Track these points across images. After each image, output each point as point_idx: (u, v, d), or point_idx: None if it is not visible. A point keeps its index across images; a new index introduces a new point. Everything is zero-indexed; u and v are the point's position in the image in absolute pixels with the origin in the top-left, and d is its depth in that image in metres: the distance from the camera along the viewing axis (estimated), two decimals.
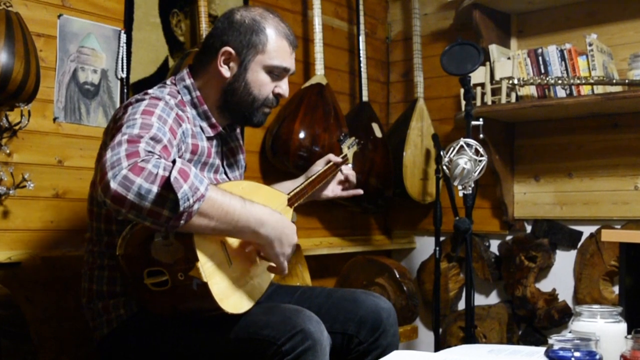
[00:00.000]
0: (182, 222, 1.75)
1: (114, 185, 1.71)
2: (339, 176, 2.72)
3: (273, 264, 2.07)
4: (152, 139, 1.87)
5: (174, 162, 1.76)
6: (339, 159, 2.70)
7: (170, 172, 1.71)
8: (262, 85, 2.26)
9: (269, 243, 1.99)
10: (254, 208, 1.93)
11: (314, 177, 2.57)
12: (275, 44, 2.25)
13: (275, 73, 2.27)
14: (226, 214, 1.85)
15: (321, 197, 2.70)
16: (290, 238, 2.05)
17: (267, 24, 2.25)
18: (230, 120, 2.35)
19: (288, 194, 2.38)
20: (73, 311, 2.67)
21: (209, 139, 2.26)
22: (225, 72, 2.24)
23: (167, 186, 1.71)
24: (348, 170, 2.73)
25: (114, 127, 2.04)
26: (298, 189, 2.45)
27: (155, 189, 1.71)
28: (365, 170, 3.73)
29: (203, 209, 1.78)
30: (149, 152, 1.80)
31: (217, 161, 2.30)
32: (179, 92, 2.25)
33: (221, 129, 2.29)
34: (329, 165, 2.65)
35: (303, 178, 2.60)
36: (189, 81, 2.28)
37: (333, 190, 2.72)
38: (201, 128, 2.24)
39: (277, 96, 2.31)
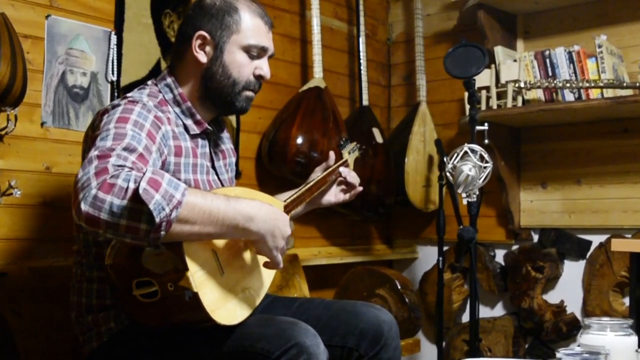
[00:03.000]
0: (162, 232, 1.74)
1: (85, 207, 1.71)
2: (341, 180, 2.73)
3: (267, 260, 2.07)
4: (125, 149, 1.87)
5: (145, 172, 1.76)
6: (338, 164, 2.70)
7: (139, 185, 1.71)
8: (240, 66, 2.27)
9: (261, 238, 1.98)
10: (239, 204, 1.92)
11: (311, 183, 2.57)
12: (250, 23, 2.26)
13: (253, 52, 2.28)
14: (209, 215, 1.83)
15: (323, 204, 2.71)
16: (283, 230, 2.04)
17: (239, 4, 2.27)
18: (214, 112, 2.35)
19: (284, 201, 2.38)
20: (61, 323, 2.66)
21: (193, 138, 2.26)
22: (202, 57, 2.25)
23: (139, 199, 1.70)
24: (346, 172, 2.73)
25: (91, 136, 2.05)
26: (295, 196, 2.45)
27: (127, 203, 1.71)
28: (366, 177, 3.73)
29: (183, 215, 1.77)
30: (119, 166, 1.80)
31: (205, 162, 2.30)
32: (160, 92, 2.26)
33: (207, 125, 2.30)
34: (328, 171, 2.65)
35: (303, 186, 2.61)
36: (169, 79, 2.29)
37: (336, 195, 2.72)
38: (185, 127, 2.25)
39: (259, 78, 2.31)
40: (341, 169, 2.69)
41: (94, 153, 1.84)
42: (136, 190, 1.70)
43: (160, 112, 2.15)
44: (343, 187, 2.73)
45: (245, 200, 1.95)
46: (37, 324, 2.67)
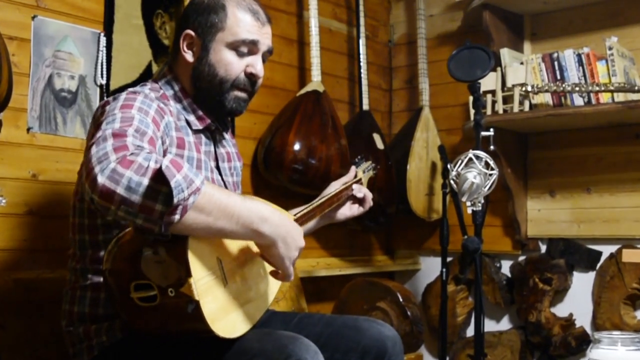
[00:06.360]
0: (177, 216, 1.74)
1: (101, 179, 1.70)
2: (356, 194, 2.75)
3: (276, 269, 2.05)
4: (136, 131, 1.90)
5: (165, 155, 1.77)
6: (351, 178, 2.72)
7: (162, 163, 1.72)
8: (227, 64, 2.27)
9: (273, 243, 1.97)
10: (254, 204, 1.92)
11: (323, 199, 2.57)
12: (236, 18, 2.27)
13: (242, 49, 2.28)
14: (225, 208, 1.83)
15: (339, 219, 2.73)
16: (297, 240, 2.03)
17: (228, 1, 2.29)
18: (209, 115, 2.36)
19: (294, 214, 2.38)
20: (48, 338, 2.66)
21: (195, 133, 2.28)
22: (189, 57, 2.28)
23: (159, 178, 1.71)
24: (357, 188, 2.73)
25: (94, 126, 2.06)
26: (305, 210, 2.45)
27: (146, 181, 1.71)
28: (367, 185, 3.74)
29: (199, 202, 1.77)
30: (138, 146, 1.82)
31: (209, 161, 2.31)
32: (161, 88, 2.29)
33: (210, 121, 2.31)
34: (342, 187, 2.66)
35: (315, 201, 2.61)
36: (169, 76, 2.32)
37: (351, 208, 2.73)
38: (187, 122, 2.27)
39: (250, 76, 2.31)
40: (354, 185, 2.71)
41: (106, 132, 1.84)
42: (157, 170, 1.71)
43: (163, 104, 2.17)
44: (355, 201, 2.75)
45: (259, 202, 1.96)
46: (23, 338, 2.67)
